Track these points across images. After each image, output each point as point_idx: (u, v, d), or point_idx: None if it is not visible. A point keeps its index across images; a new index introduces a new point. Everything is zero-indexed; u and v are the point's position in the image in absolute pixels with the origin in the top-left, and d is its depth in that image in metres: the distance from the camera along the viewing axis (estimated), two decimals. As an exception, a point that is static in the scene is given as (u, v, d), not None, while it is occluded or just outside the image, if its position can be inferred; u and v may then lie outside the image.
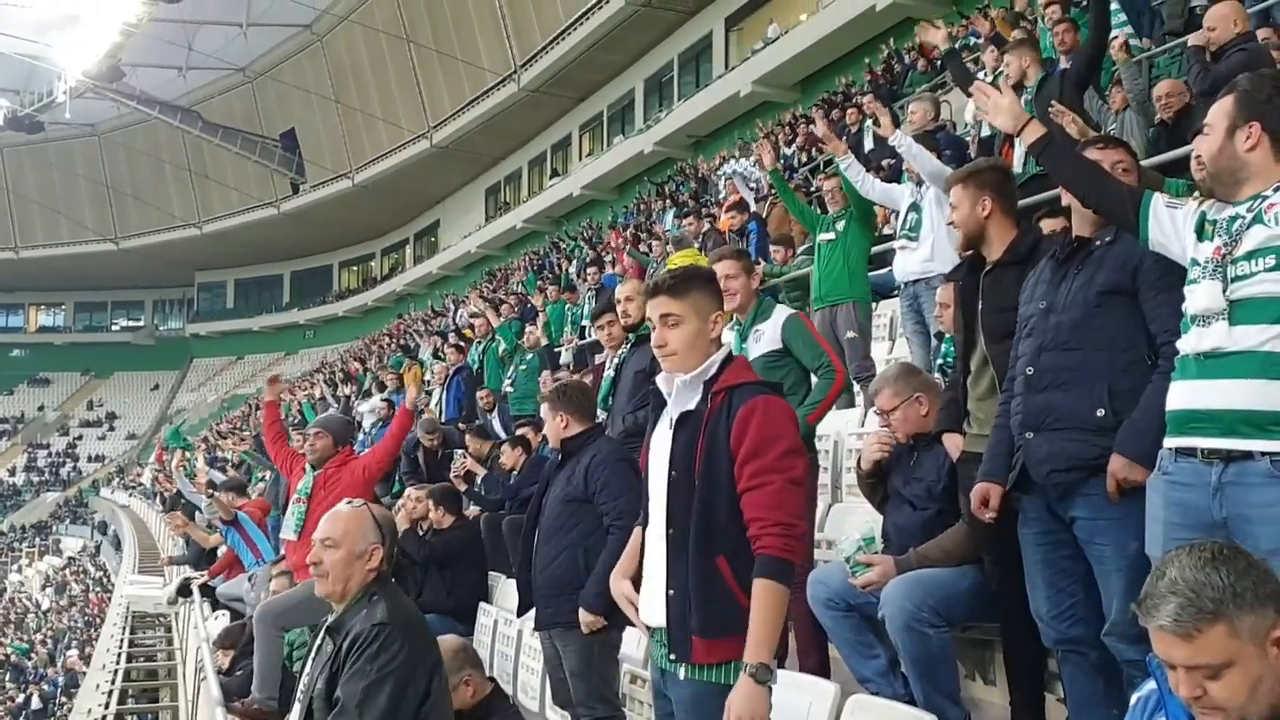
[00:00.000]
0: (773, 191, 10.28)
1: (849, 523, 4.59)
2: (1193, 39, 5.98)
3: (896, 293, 7.46)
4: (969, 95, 6.82)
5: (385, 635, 2.83)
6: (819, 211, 7.16)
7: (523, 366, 10.11)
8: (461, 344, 13.19)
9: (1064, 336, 2.84)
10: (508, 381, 10.38)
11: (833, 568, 3.81)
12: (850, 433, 5.92)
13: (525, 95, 37.44)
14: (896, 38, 21.11)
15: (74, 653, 26.92)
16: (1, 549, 47.49)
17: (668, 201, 20.83)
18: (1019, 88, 6.05)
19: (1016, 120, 2.91)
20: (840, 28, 24.19)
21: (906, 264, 5.98)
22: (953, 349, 4.35)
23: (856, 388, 6.32)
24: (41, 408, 61.41)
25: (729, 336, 4.24)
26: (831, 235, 6.29)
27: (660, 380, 2.80)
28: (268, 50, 47.56)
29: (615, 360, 5.35)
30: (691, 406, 2.69)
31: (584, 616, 3.89)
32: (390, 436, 5.93)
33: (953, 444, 3.52)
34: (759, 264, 8.78)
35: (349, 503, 3.09)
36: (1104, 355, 2.78)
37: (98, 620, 26.78)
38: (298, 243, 54.28)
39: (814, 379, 4.21)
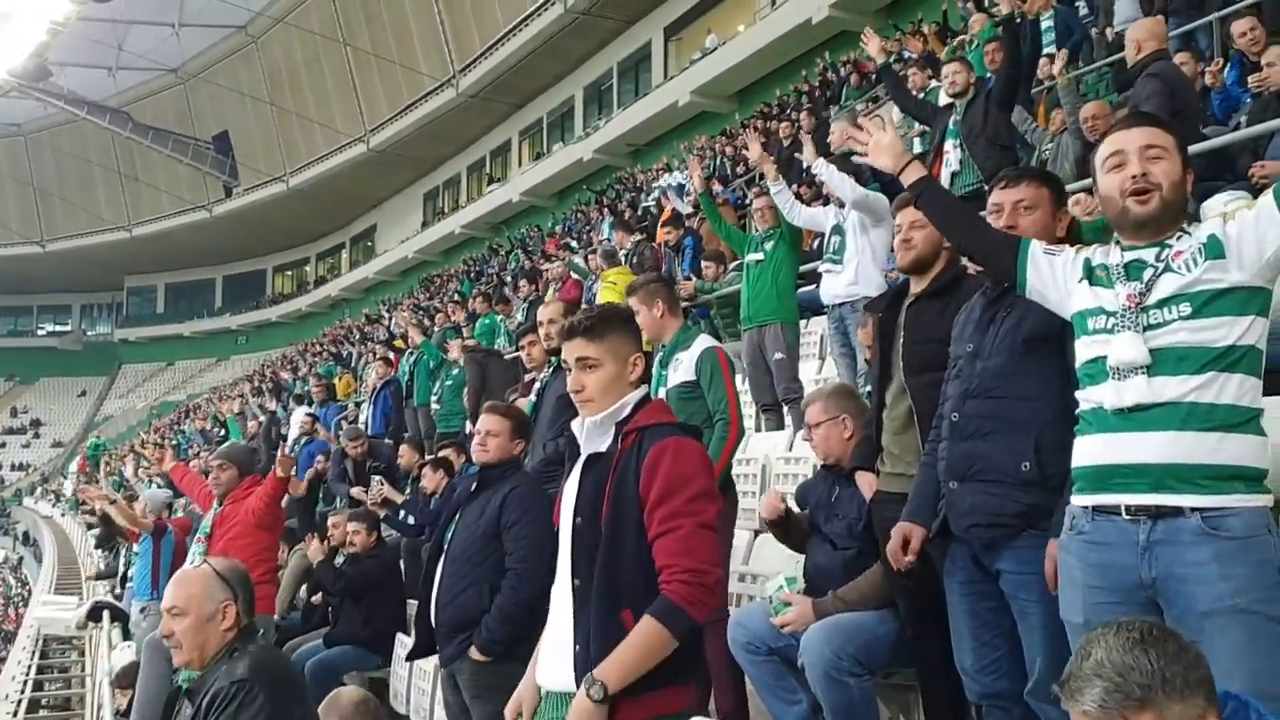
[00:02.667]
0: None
1: (772, 555, 4.48)
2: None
3: (826, 310, 7.42)
4: (905, 112, 6.78)
5: (246, 691, 2.66)
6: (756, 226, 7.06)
7: (448, 382, 9.87)
8: (390, 356, 12.91)
9: (989, 384, 2.73)
10: (435, 399, 10.14)
11: (754, 609, 3.70)
12: (779, 456, 5.82)
13: (464, 100, 37.14)
14: (832, 51, 21.22)
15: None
16: (-84, 561, 45.83)
17: (606, 211, 20.70)
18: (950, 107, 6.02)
19: (897, 160, 2.79)
20: (776, 40, 24.25)
21: (831, 287, 5.92)
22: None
23: (785, 410, 6.22)
24: (-38, 415, 59.60)
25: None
26: (760, 255, 6.19)
27: (574, 424, 2.66)
28: (201, 51, 46.67)
29: (538, 385, 5.20)
30: (602, 449, 2.55)
31: (474, 654, 3.79)
32: (267, 490, 5.64)
33: (865, 482, 3.43)
34: (688, 279, 8.70)
35: (192, 564, 2.95)
36: (1030, 405, 2.66)
37: (14, 637, 25.93)
38: (230, 246, 53.19)
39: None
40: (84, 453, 33.41)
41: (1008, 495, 2.65)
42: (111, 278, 58.48)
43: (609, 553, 2.45)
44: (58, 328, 63.87)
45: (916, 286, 3.30)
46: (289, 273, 55.79)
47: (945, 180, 5.79)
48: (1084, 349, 2.37)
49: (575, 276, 12.69)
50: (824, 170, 5.83)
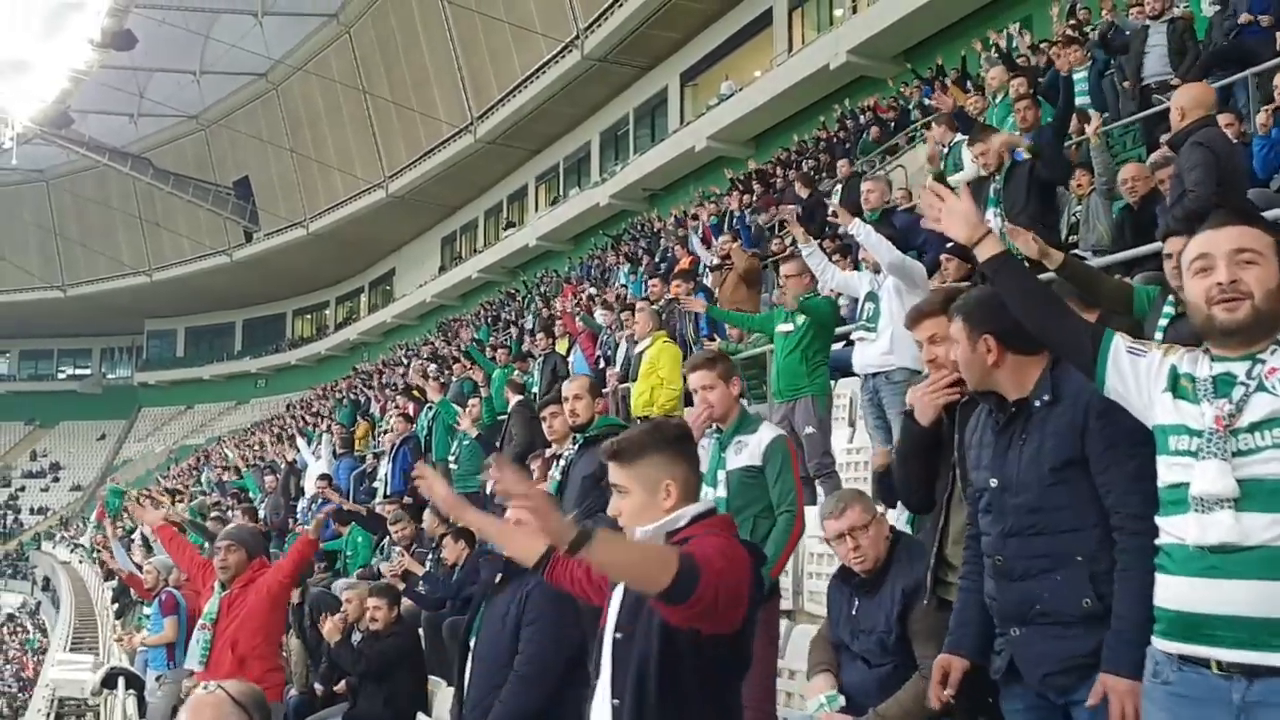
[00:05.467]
0: (727, 261, 10.06)
1: (806, 647, 4.27)
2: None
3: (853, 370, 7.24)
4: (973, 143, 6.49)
5: None
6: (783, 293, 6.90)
7: (465, 441, 9.69)
8: (409, 412, 12.77)
9: (1026, 521, 2.53)
10: (451, 458, 9.97)
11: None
12: (811, 534, 5.62)
13: (482, 146, 37.36)
14: (850, 96, 21.22)
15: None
16: (-64, 606, 45.85)
17: (622, 258, 20.61)
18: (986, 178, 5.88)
19: (973, 231, 2.52)
20: (794, 85, 24.30)
21: (865, 356, 5.74)
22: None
23: (817, 484, 6.04)
24: (-18, 458, 59.81)
25: (707, 444, 3.97)
26: (790, 327, 6.02)
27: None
28: (222, 98, 47.18)
29: (562, 461, 5.04)
30: None
31: None
32: (291, 561, 5.47)
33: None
34: (710, 339, 8.53)
35: (204, 688, 2.77)
36: (1073, 537, 2.47)
37: (31, 685, 25.78)
38: (250, 291, 53.56)
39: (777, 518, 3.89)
40: (102, 500, 33.33)
41: (1076, 636, 2.46)
42: (132, 322, 58.86)
43: (645, 668, 2.33)
44: (78, 371, 64.23)
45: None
46: (308, 316, 56.01)
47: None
48: (1165, 471, 2.16)
49: (589, 330, 12.58)
50: (861, 233, 5.66)
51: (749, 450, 3.95)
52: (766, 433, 3.98)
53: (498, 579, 3.93)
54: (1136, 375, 2.27)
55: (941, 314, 3.01)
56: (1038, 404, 2.58)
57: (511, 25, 33.57)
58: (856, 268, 6.84)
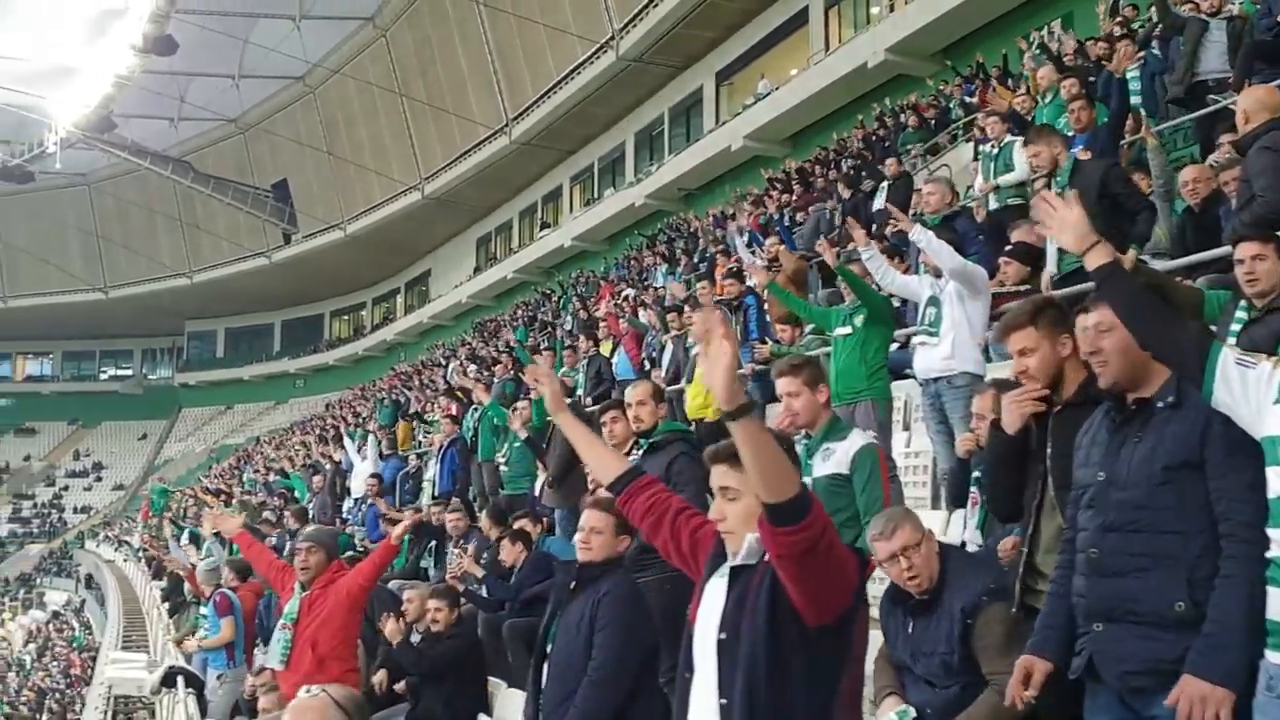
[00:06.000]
0: (775, 264, 10.05)
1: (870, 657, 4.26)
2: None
3: (908, 371, 7.22)
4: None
5: None
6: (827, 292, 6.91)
7: (515, 443, 9.72)
8: (454, 413, 12.85)
9: (1130, 517, 2.53)
10: (501, 458, 10.03)
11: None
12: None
13: (517, 148, 37.52)
14: (889, 94, 21.13)
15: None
16: (-15, 602, 46.68)
17: (659, 258, 20.62)
18: (1048, 178, 5.84)
19: (1083, 240, 2.54)
20: (831, 84, 24.23)
21: (927, 361, 5.72)
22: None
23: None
24: (27, 458, 60.79)
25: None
26: (848, 330, 6.01)
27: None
28: (260, 101, 47.67)
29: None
30: (752, 561, 2.46)
31: None
32: (372, 564, 5.58)
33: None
34: (762, 343, 8.51)
35: (308, 691, 2.82)
36: (1176, 539, 2.46)
37: (79, 682, 26.21)
38: (289, 292, 54.14)
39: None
40: (147, 499, 33.80)
41: (1163, 639, 2.45)
42: (172, 323, 59.63)
43: (754, 668, 2.37)
44: (120, 372, 65.10)
45: (1065, 394, 3.08)
46: (345, 317, 56.53)
47: (1050, 255, 5.60)
48: (1276, 480, 2.18)
49: (635, 330, 12.60)
50: (922, 237, 5.66)
51: (836, 458, 3.92)
52: (856, 439, 3.95)
53: (572, 585, 3.97)
54: (1245, 386, 2.28)
55: (1030, 326, 3.03)
56: (1160, 405, 2.58)
57: (546, 27, 33.69)
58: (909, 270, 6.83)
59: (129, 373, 64.79)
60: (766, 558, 2.41)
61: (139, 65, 39.53)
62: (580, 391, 11.75)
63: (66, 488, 57.82)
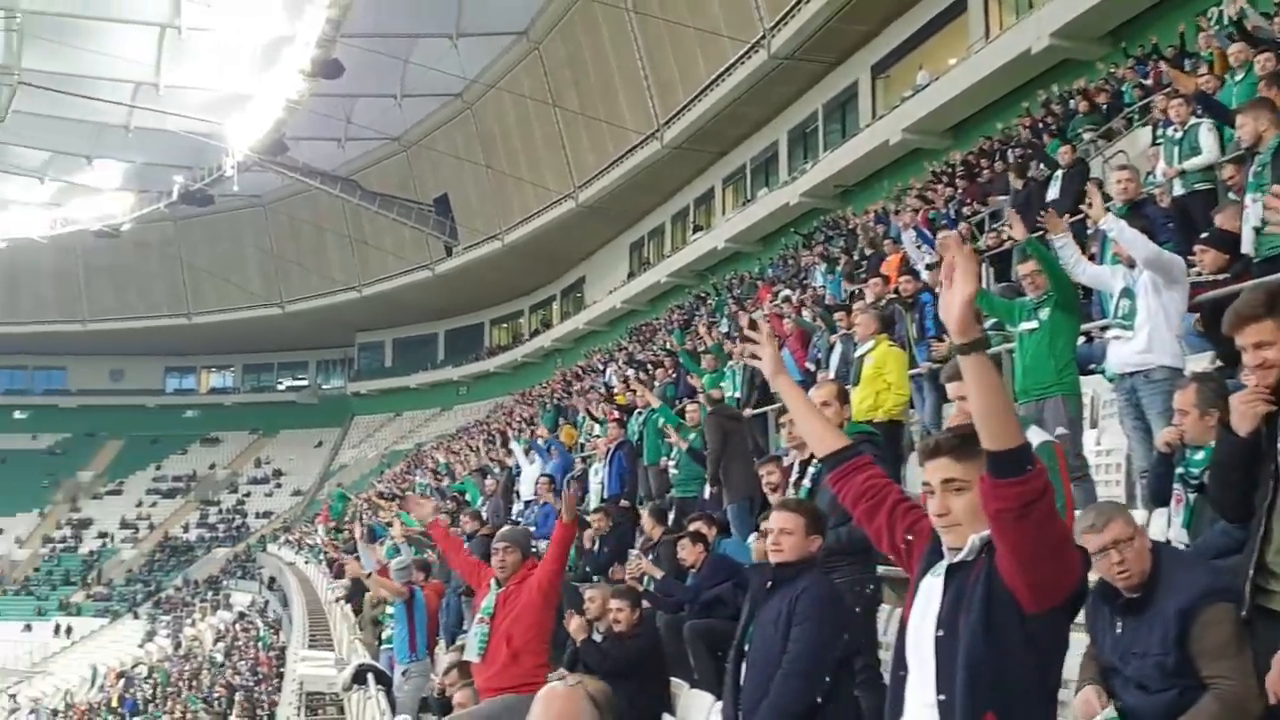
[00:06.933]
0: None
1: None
2: None
3: (1093, 367, 6.95)
4: None
5: None
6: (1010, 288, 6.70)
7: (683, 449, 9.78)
8: (620, 417, 13.00)
9: None
10: (672, 462, 10.09)
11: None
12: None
13: (668, 152, 37.72)
14: (1056, 80, 20.35)
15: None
16: (177, 604, 49.48)
17: (817, 257, 20.38)
18: (1250, 152, 5.52)
19: None
20: (994, 72, 23.49)
21: (1121, 355, 5.48)
22: (1197, 459, 3.90)
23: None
24: (213, 466, 64.21)
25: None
26: (1034, 324, 5.80)
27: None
28: (421, 119, 49.34)
29: (811, 469, 5.02)
30: (969, 558, 2.43)
31: None
32: (554, 552, 5.70)
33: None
34: (940, 341, 8.31)
35: (562, 679, 2.81)
36: None
37: (267, 680, 27.51)
38: (451, 302, 56.02)
39: None
40: (326, 504, 35.33)
41: None
42: (344, 335, 62.34)
43: (973, 661, 2.34)
44: (296, 383, 68.35)
45: None
46: (504, 325, 58.05)
47: (1247, 239, 5.29)
48: None
49: (801, 330, 12.47)
50: (1114, 226, 5.43)
51: None
52: (1033, 437, 3.85)
53: (768, 585, 3.96)
54: None
55: (1268, 318, 2.86)
56: None
57: (696, 29, 33.74)
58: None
59: (304, 383, 67.99)
60: (985, 553, 2.37)
61: (308, 89, 41.33)
62: (737, 393, 11.73)
63: (249, 494, 60.89)
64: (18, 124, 45.73)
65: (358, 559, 12.94)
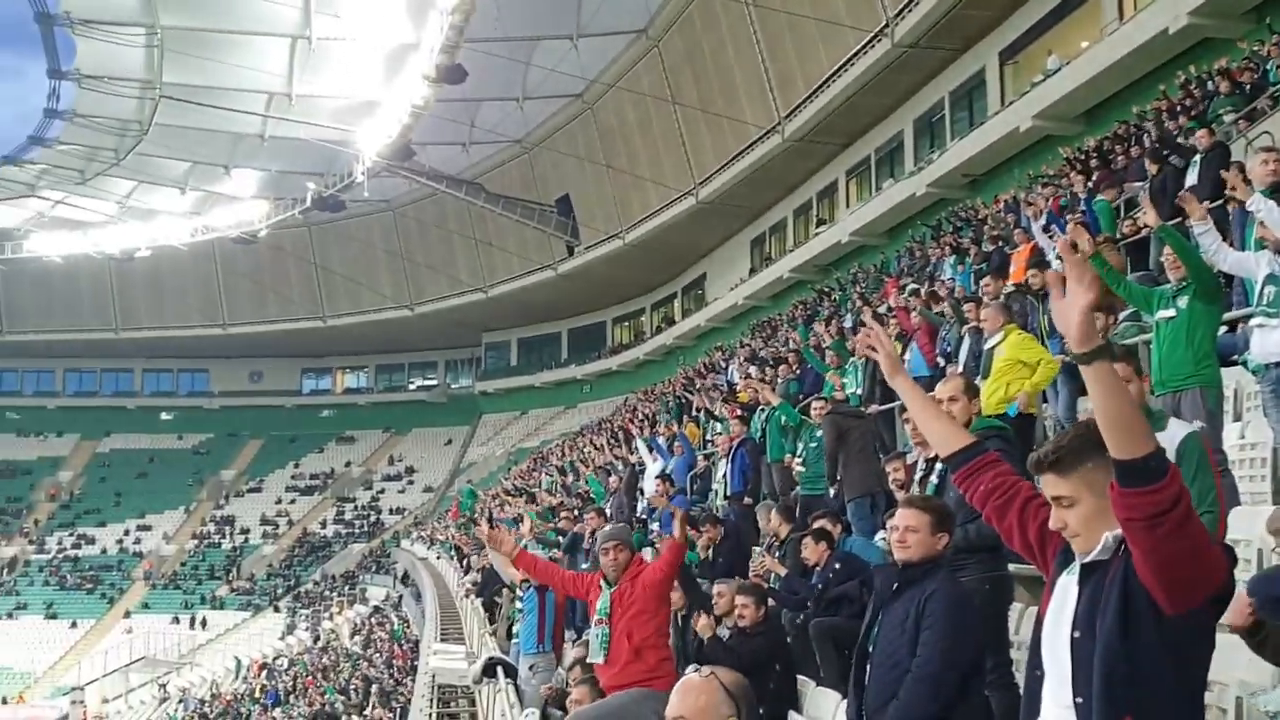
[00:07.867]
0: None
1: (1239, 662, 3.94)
2: None
3: (1236, 357, 6.66)
4: None
5: None
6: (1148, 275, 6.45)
7: (813, 444, 9.68)
8: (743, 414, 12.96)
9: None
10: (798, 460, 10.00)
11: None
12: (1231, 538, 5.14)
13: (789, 145, 37.35)
14: (1195, 61, 19.47)
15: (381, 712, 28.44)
16: (315, 598, 51.27)
17: (946, 249, 19.94)
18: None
19: None
20: (1129, 54, 22.57)
21: (1266, 344, 5.23)
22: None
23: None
24: (348, 464, 66.31)
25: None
26: (1171, 312, 5.56)
27: None
28: (542, 121, 49.98)
29: (939, 465, 4.93)
30: (1105, 557, 2.38)
31: None
32: (665, 559, 5.72)
33: None
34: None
35: (697, 670, 2.82)
36: None
37: (401, 672, 28.31)
38: (573, 301, 56.79)
39: None
40: (456, 499, 36.16)
41: None
42: (471, 335, 63.72)
43: (1110, 661, 2.29)
44: (426, 382, 70.15)
45: None
46: (626, 323, 58.57)
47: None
48: None
49: (928, 324, 12.21)
50: (1263, 206, 5.18)
51: None
52: (1178, 429, 3.73)
53: (894, 587, 3.92)
54: None
55: None
56: None
57: (817, 20, 33.35)
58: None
59: (434, 383, 69.71)
60: (1121, 551, 2.31)
61: (433, 95, 42.23)
62: (858, 390, 11.56)
63: (383, 491, 62.71)
64: (160, 136, 48.03)
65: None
